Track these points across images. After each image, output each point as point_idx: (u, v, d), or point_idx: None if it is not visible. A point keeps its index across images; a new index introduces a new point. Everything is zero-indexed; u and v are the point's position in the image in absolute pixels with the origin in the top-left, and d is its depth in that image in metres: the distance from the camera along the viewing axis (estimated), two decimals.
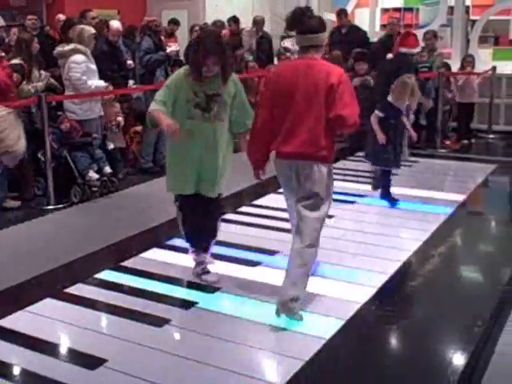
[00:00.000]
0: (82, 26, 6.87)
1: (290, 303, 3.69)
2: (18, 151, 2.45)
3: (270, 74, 4.31)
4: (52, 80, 6.87)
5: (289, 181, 3.86)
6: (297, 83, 3.72)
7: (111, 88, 6.95)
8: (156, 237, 5.35)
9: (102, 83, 6.74)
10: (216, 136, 4.16)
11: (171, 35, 9.29)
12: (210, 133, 4.14)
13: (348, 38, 9.78)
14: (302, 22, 3.80)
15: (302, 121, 3.72)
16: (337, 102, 3.66)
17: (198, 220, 4.33)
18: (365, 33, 10.33)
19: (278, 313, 3.76)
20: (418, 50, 7.22)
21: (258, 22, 10.17)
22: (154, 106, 4.07)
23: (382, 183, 6.25)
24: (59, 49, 6.77)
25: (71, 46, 6.64)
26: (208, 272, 4.43)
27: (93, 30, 6.81)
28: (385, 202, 6.18)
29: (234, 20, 9.96)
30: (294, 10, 3.86)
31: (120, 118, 7.28)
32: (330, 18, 12.17)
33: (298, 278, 3.73)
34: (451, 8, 11.14)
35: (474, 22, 11.33)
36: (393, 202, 6.14)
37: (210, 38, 4.14)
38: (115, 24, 7.64)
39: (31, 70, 6.53)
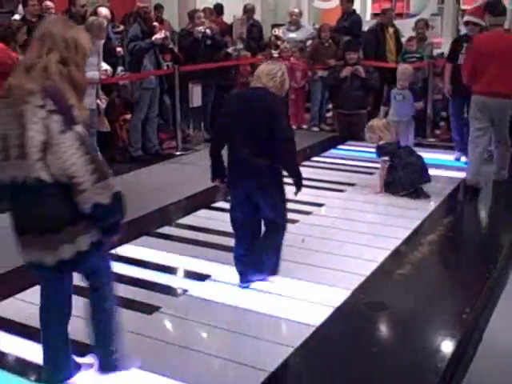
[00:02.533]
0: (94, 17, 6.84)
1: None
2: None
3: (474, 43, 6.33)
4: None
5: (487, 113, 6.09)
6: (494, 47, 5.97)
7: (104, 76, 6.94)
8: (146, 225, 5.34)
9: (95, 76, 6.69)
10: None
11: (161, 22, 9.25)
12: None
13: (348, 25, 9.69)
14: (498, 7, 6.17)
15: (500, 71, 5.92)
16: None
17: None
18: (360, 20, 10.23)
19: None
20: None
21: (248, 10, 10.14)
22: None
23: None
24: None
25: None
26: None
27: (104, 23, 6.79)
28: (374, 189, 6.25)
29: (217, 10, 9.91)
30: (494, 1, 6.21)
31: (102, 101, 7.22)
32: (319, 6, 12.15)
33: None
34: None
35: (464, 11, 11.31)
36: None
37: None
38: (103, 11, 7.59)
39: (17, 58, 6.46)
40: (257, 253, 4.08)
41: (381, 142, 6.16)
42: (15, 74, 2.78)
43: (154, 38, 7.45)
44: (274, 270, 4.20)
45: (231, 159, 4.02)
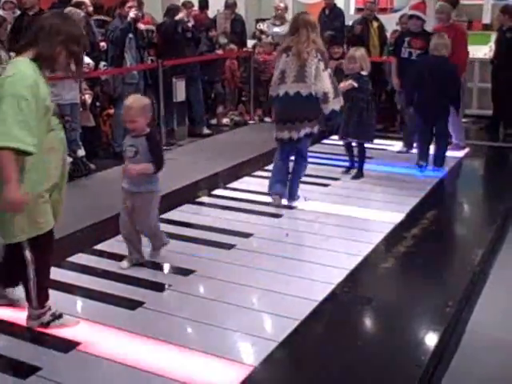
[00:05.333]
0: (70, 8, 6.76)
1: None
2: None
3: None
4: None
5: None
6: None
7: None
8: None
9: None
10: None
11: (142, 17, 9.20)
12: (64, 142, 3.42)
13: (329, 20, 9.67)
14: None
15: None
16: None
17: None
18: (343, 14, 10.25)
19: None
20: None
21: (230, 5, 10.10)
22: (11, 143, 2.94)
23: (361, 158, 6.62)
24: None
25: None
26: None
27: (81, 14, 6.73)
28: (357, 184, 6.29)
29: (201, 5, 9.89)
30: None
31: (87, 96, 7.16)
32: (303, 0, 12.15)
33: None
34: None
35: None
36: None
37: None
38: None
39: None
40: (436, 150, 6.77)
41: (363, 72, 6.26)
42: (288, 40, 5.37)
43: (128, 17, 7.37)
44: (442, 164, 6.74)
45: (422, 99, 6.53)
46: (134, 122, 4.04)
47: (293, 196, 5.59)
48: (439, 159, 6.77)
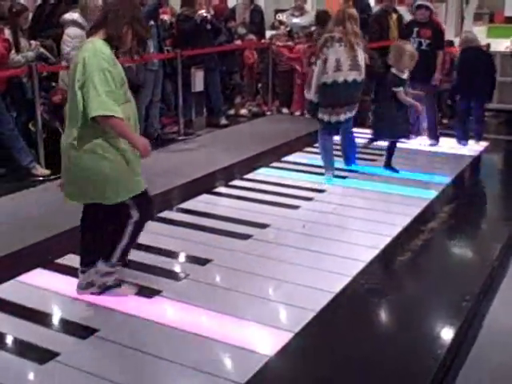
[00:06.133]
0: None
1: None
2: None
3: None
4: (42, 50, 6.79)
5: None
6: None
7: None
8: None
9: None
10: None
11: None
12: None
13: (362, 11, 9.57)
14: None
15: None
16: None
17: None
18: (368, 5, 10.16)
19: None
20: None
21: None
22: (110, 112, 3.29)
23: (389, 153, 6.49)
24: (64, 16, 6.72)
25: (74, 16, 6.57)
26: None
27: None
28: (375, 177, 6.25)
29: None
30: None
31: None
32: None
33: None
34: None
35: None
36: (394, 170, 6.42)
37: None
38: None
39: (18, 40, 6.43)
40: (476, 127, 7.70)
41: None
42: (337, 30, 5.83)
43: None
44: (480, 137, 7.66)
45: (466, 84, 7.41)
46: None
47: (354, 160, 6.44)
48: (479, 134, 7.66)
